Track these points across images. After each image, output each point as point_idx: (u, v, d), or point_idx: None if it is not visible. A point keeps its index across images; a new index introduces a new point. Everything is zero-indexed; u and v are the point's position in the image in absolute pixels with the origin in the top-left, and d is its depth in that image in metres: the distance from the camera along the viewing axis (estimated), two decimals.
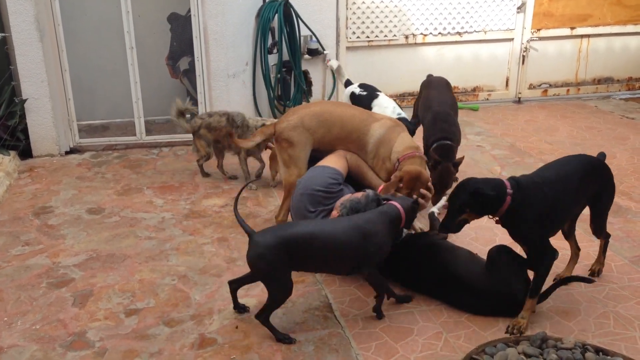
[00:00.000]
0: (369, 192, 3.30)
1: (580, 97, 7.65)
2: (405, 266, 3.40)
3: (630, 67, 7.77)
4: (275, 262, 2.87)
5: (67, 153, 5.78)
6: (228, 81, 5.86)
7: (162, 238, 4.08)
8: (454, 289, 3.23)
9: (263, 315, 2.97)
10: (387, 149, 3.78)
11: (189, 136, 5.84)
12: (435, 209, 3.69)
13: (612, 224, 4.20)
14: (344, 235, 2.98)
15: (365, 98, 4.84)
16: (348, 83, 5.17)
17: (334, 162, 3.74)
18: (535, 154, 5.58)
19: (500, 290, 3.13)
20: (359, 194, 3.32)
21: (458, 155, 4.35)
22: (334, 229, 3.01)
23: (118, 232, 4.18)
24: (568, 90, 7.61)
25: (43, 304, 3.33)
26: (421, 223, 4.00)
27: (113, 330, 3.10)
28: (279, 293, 2.96)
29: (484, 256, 3.31)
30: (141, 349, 2.95)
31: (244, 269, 3.63)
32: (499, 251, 3.22)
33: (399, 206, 3.16)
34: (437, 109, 4.62)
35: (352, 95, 4.95)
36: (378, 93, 4.89)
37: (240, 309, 3.21)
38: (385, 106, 4.71)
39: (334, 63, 5.61)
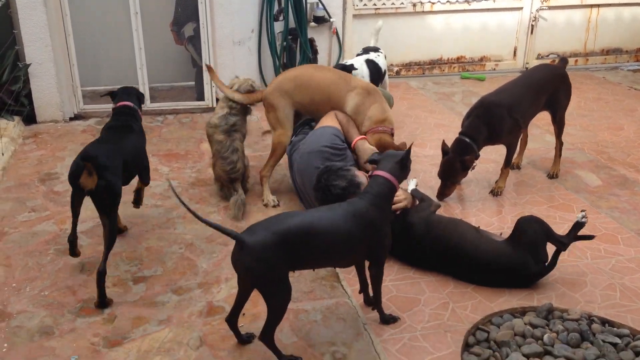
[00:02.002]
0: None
1: (588, 68, 7.57)
2: (404, 242, 3.35)
3: (639, 38, 7.66)
4: (275, 264, 2.45)
5: (71, 119, 5.75)
6: (233, 48, 5.80)
7: (169, 206, 4.08)
8: (460, 263, 3.23)
9: (268, 334, 2.57)
10: (362, 117, 3.92)
11: (194, 104, 5.84)
12: (412, 186, 3.67)
13: (619, 196, 4.20)
14: (344, 226, 2.62)
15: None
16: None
17: (332, 122, 3.81)
18: (542, 125, 5.53)
19: (511, 262, 3.13)
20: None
21: None
22: (332, 218, 2.64)
23: (124, 199, 4.07)
24: (576, 60, 7.52)
25: (51, 271, 3.34)
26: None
27: (122, 297, 3.12)
28: (282, 300, 2.53)
29: (489, 228, 3.32)
30: (150, 315, 2.97)
31: None
32: (529, 220, 3.21)
33: (388, 176, 2.79)
34: (488, 99, 4.12)
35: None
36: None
37: (245, 340, 2.77)
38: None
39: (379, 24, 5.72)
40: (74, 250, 3.33)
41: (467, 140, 3.96)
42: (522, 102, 4.14)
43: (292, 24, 6.17)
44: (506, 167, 4.24)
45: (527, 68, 7.39)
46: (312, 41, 6.38)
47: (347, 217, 2.64)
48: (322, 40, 6.47)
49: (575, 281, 3.23)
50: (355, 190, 3.18)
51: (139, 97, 3.88)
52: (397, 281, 3.24)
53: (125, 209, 4.00)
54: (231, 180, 4.06)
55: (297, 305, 3.04)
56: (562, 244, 3.18)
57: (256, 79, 6.17)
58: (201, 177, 4.53)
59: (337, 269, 3.32)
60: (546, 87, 4.31)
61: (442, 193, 4.04)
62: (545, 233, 3.16)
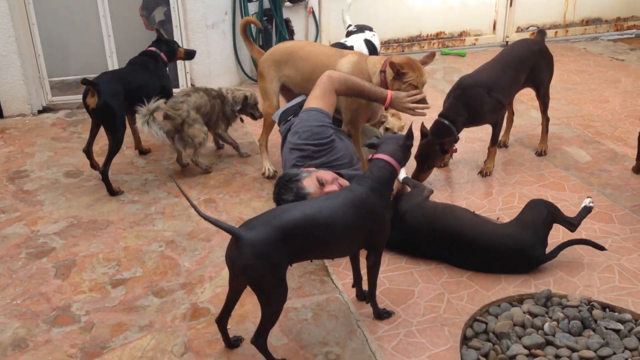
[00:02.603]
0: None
1: (569, 40, 7.46)
2: (398, 231, 3.16)
3: (618, 6, 7.55)
4: (276, 260, 2.30)
5: (39, 112, 5.50)
6: (207, 32, 5.58)
7: (147, 201, 3.90)
8: (461, 249, 3.10)
9: (262, 337, 2.42)
10: (364, 74, 3.68)
11: None
12: (402, 175, 3.50)
13: (610, 172, 4.10)
14: (344, 215, 2.48)
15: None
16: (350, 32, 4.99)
17: (318, 99, 3.43)
18: (526, 100, 5.42)
19: (516, 245, 3.02)
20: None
21: None
22: (332, 208, 2.49)
23: (99, 196, 3.98)
24: (556, 32, 7.40)
25: (23, 277, 3.16)
26: None
27: (99, 302, 2.95)
28: (279, 301, 2.38)
29: (481, 212, 3.20)
30: (130, 321, 2.81)
31: None
32: (538, 202, 3.15)
33: (389, 159, 2.64)
34: (466, 81, 3.98)
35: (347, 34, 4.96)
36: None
37: (233, 344, 2.63)
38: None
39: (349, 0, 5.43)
40: (91, 162, 4.18)
41: (446, 122, 3.82)
42: (502, 81, 3.98)
43: (266, 4, 5.95)
44: (493, 146, 4.12)
45: (507, 42, 7.26)
46: (287, 22, 6.17)
47: (347, 205, 2.50)
48: (298, 20, 6.27)
49: (572, 264, 3.13)
50: None
51: (169, 48, 4.54)
52: (389, 272, 3.11)
53: (100, 206, 3.83)
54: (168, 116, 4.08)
55: (286, 303, 2.88)
56: (571, 224, 3.13)
57: (232, 62, 5.97)
58: (178, 168, 4.34)
59: (326, 263, 3.18)
60: (526, 63, 4.17)
61: (417, 177, 3.80)
62: (552, 215, 3.09)
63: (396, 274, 3.10)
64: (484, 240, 3.06)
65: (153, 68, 4.35)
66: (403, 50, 7.03)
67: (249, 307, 2.86)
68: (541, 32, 4.48)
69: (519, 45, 4.36)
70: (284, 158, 3.51)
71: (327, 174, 3.05)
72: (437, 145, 3.78)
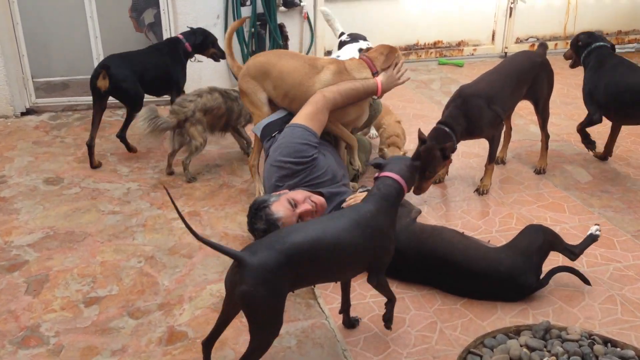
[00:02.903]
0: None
1: None
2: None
3: (620, 20, 7.44)
4: (278, 288, 2.16)
5: (22, 114, 5.31)
6: None
7: (128, 213, 3.72)
8: (449, 274, 2.94)
9: None
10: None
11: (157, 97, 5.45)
12: None
13: (611, 193, 3.95)
14: (349, 236, 2.35)
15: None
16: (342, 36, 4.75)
17: (307, 117, 3.32)
18: (525, 115, 5.28)
19: (507, 271, 2.86)
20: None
21: None
22: (337, 229, 2.35)
23: (78, 205, 3.80)
24: (556, 44, 7.27)
25: None
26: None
27: (71, 323, 2.77)
28: (271, 333, 2.24)
29: (477, 232, 3.04)
30: (102, 345, 2.63)
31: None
32: (535, 228, 2.99)
33: (396, 177, 2.51)
34: (466, 91, 3.82)
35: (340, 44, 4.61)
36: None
37: None
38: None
39: (324, 9, 5.12)
40: (92, 159, 4.26)
41: (446, 129, 3.66)
42: (502, 93, 3.85)
43: (260, 8, 5.80)
44: (490, 163, 3.96)
45: (506, 53, 7.13)
46: (282, 27, 6.01)
47: (352, 225, 2.36)
48: (292, 25, 6.11)
49: (572, 293, 2.97)
50: (275, 229, 2.82)
51: (200, 41, 4.62)
52: (379, 297, 2.92)
53: (79, 217, 3.65)
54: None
55: None
56: (572, 253, 2.97)
57: (223, 67, 5.79)
58: (164, 178, 4.16)
59: (313, 285, 3.01)
60: (527, 75, 4.03)
61: (420, 187, 3.52)
62: (550, 243, 2.92)
63: (386, 299, 2.92)
64: (473, 264, 2.90)
65: (167, 54, 4.47)
66: None
67: (230, 332, 2.69)
68: (543, 45, 4.34)
69: (521, 56, 4.22)
70: (265, 174, 3.36)
71: (297, 194, 2.96)
72: (438, 150, 3.51)
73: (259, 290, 2.12)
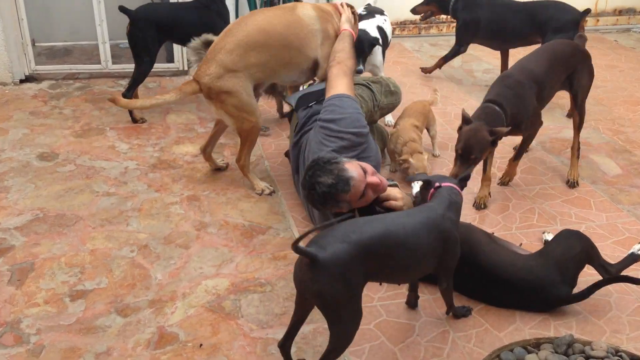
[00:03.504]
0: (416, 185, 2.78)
1: (599, 30, 6.95)
2: None
3: None
4: (355, 282, 2.05)
5: (22, 81, 5.08)
6: None
7: (123, 194, 3.50)
8: (471, 278, 2.70)
9: None
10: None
11: (162, 66, 5.22)
12: (417, 189, 2.90)
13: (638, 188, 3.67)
14: (423, 236, 2.25)
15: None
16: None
17: (349, 88, 3.22)
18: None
19: (536, 280, 2.61)
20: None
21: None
22: (415, 225, 2.25)
23: (72, 185, 3.58)
24: (586, 21, 6.87)
25: None
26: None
27: (54, 319, 2.57)
28: (353, 327, 2.11)
29: (496, 229, 2.79)
30: (85, 346, 2.43)
31: (216, 238, 3.10)
32: (571, 234, 2.71)
33: (457, 188, 2.50)
34: (518, 72, 3.42)
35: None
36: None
37: None
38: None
39: None
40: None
41: (497, 108, 3.18)
42: (549, 80, 3.45)
43: None
44: (516, 160, 3.60)
45: None
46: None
47: (428, 225, 2.27)
48: None
49: (598, 303, 2.72)
50: (344, 187, 2.62)
51: None
52: (387, 300, 2.72)
53: (71, 197, 3.43)
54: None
55: (266, 332, 2.51)
56: (606, 271, 2.68)
57: None
58: (164, 157, 3.93)
59: None
60: (568, 63, 3.60)
61: (458, 174, 3.01)
62: (587, 254, 2.65)
63: (395, 303, 2.70)
64: (499, 270, 2.65)
65: (204, 6, 4.41)
66: (419, 32, 6.55)
67: (224, 335, 2.49)
68: (581, 36, 3.96)
69: (562, 44, 3.74)
70: (313, 147, 3.05)
71: (366, 165, 2.78)
72: (487, 132, 3.04)
73: (334, 287, 2.00)
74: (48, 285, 2.76)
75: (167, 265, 2.92)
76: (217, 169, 3.74)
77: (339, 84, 3.18)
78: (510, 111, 3.22)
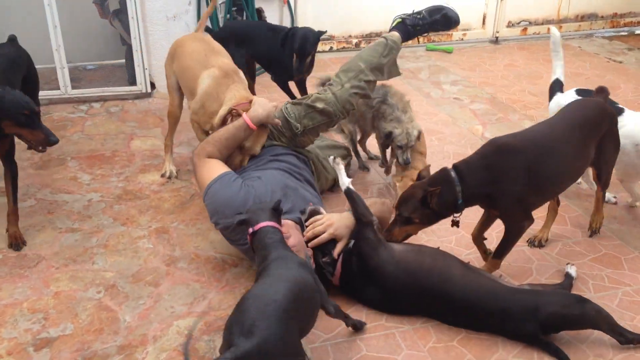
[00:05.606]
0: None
1: (562, 36, 6.96)
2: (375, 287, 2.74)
3: (616, 1, 7.10)
4: None
5: None
6: (168, 24, 4.99)
7: (88, 230, 3.36)
8: (447, 312, 2.64)
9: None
10: (216, 103, 3.28)
11: (124, 89, 5.08)
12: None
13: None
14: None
15: None
16: None
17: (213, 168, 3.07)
18: (519, 109, 4.97)
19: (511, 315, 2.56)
20: None
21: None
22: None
23: (33, 222, 3.42)
24: (549, 28, 6.91)
25: None
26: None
27: None
28: None
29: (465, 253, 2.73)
30: None
31: (187, 274, 2.99)
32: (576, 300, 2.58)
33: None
34: (502, 141, 2.83)
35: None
36: None
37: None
38: None
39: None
40: None
41: (452, 174, 2.71)
42: (558, 155, 2.80)
43: None
44: (495, 259, 2.91)
45: (497, 38, 6.78)
46: (260, 12, 5.59)
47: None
48: (271, 11, 5.70)
49: None
50: None
51: None
52: (367, 333, 2.63)
53: (33, 236, 3.26)
54: None
55: None
56: (624, 338, 2.52)
57: None
58: (129, 187, 3.79)
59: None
60: (595, 132, 2.95)
61: (390, 231, 2.82)
62: (605, 321, 2.54)
63: (375, 336, 2.62)
64: (476, 304, 2.60)
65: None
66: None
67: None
68: (603, 90, 3.17)
69: (585, 105, 3.08)
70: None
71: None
72: (421, 192, 2.70)
73: None
74: (10, 334, 2.62)
75: (136, 306, 2.79)
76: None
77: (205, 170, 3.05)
78: (475, 183, 2.70)
